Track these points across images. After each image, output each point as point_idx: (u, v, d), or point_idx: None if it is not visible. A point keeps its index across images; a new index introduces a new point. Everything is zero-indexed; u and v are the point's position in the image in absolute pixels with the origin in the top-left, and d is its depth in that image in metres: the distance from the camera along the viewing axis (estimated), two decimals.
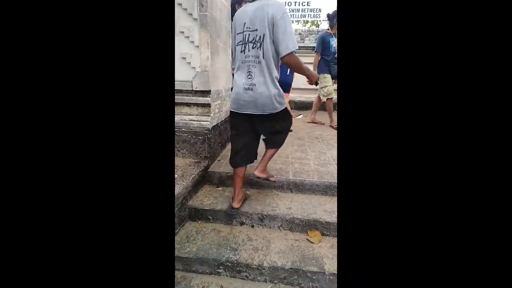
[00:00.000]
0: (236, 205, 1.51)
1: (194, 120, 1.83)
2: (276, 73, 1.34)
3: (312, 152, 2.31)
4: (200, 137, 1.79)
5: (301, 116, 4.05)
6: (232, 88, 2.48)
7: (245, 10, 1.35)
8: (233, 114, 1.46)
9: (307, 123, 3.55)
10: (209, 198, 1.64)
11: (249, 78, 1.34)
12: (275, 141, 1.56)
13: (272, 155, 1.59)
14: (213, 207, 1.55)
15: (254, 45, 1.30)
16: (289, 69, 2.78)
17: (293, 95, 4.33)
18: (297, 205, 1.59)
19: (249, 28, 1.31)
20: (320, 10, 5.98)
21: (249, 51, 1.33)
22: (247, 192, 1.65)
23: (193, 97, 1.83)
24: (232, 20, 2.54)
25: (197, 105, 1.85)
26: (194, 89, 1.81)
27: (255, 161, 1.59)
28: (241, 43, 1.35)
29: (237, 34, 1.37)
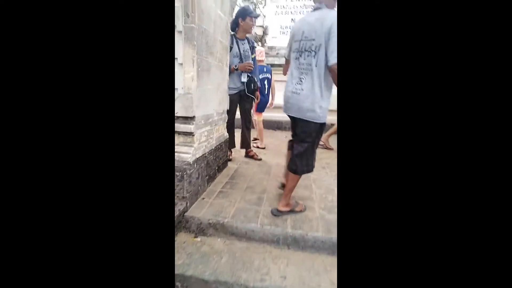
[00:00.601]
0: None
1: None
2: (326, 83, 1.35)
3: (318, 189, 1.93)
4: (177, 173, 1.46)
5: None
6: (227, 111, 2.24)
7: (305, 19, 1.41)
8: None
9: None
10: (181, 255, 1.28)
11: (299, 84, 1.40)
12: (292, 162, 1.49)
13: (293, 186, 1.52)
14: (183, 271, 1.18)
15: (309, 53, 1.34)
16: (267, 89, 3.00)
17: None
18: (295, 271, 1.21)
19: (307, 37, 1.35)
20: None
21: (304, 59, 1.37)
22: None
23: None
24: (232, 34, 2.30)
25: (178, 133, 1.53)
26: (175, 114, 1.50)
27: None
28: (297, 50, 1.41)
29: (294, 41, 1.43)
